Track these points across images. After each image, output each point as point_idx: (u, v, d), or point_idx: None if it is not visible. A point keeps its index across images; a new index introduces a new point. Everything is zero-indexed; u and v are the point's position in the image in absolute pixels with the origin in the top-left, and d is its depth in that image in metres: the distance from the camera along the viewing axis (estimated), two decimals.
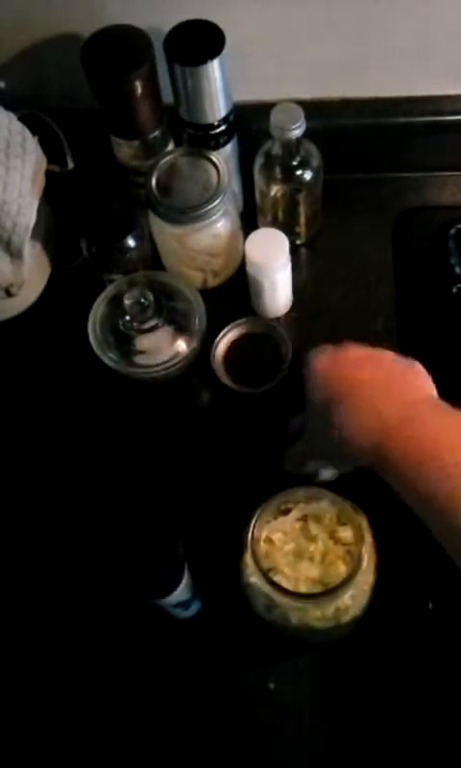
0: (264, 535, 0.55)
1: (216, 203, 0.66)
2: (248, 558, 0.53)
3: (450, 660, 0.60)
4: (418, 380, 0.53)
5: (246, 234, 0.70)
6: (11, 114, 0.70)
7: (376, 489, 0.68)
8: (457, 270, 0.75)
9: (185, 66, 0.64)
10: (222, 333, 0.73)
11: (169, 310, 0.67)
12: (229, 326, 0.74)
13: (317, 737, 0.60)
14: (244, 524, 0.54)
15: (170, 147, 0.74)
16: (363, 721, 0.60)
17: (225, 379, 0.72)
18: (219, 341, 0.73)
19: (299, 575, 0.54)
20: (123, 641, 0.64)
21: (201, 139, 0.71)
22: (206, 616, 0.63)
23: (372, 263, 0.78)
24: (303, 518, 0.56)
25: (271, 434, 0.66)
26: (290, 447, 0.61)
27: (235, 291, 0.76)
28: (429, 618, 0.62)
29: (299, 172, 0.71)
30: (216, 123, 0.70)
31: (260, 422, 0.71)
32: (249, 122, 0.74)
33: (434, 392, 0.53)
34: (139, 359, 0.68)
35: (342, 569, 0.54)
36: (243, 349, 0.74)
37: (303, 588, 0.53)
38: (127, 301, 0.66)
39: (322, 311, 0.76)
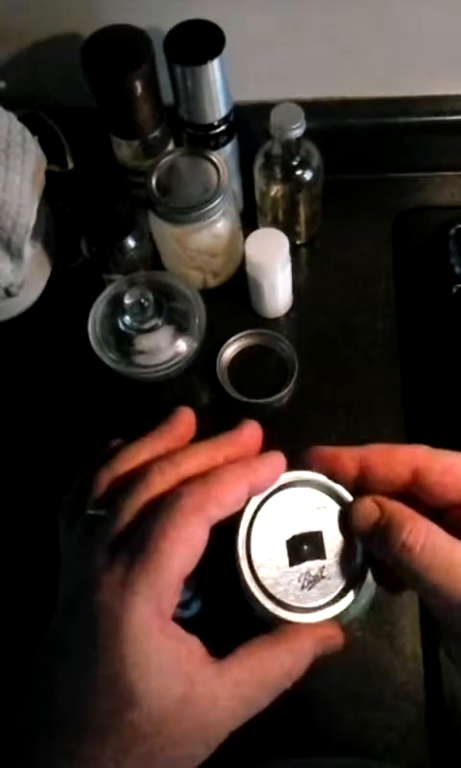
0: None
1: (216, 203, 0.66)
2: None
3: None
4: None
5: (246, 234, 0.70)
6: (11, 114, 0.70)
7: None
8: (457, 270, 0.75)
9: (185, 66, 0.64)
10: (228, 342, 0.74)
11: (169, 310, 0.67)
12: (236, 336, 0.74)
13: (317, 737, 0.60)
14: None
15: (170, 147, 0.74)
16: (362, 720, 0.60)
17: (229, 388, 0.72)
18: (224, 349, 0.74)
19: None
20: None
21: (201, 139, 0.71)
22: (206, 616, 0.63)
23: (372, 263, 0.78)
24: None
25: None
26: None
27: (235, 291, 0.76)
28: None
29: (299, 172, 0.71)
30: (216, 123, 0.70)
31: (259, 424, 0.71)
32: (249, 122, 0.74)
33: None
34: (139, 359, 0.68)
35: None
36: (248, 359, 0.75)
37: None
38: (127, 301, 0.66)
39: (322, 311, 0.76)
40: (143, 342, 0.67)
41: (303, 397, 0.73)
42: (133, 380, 0.69)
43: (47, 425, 0.74)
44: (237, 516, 0.37)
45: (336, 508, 0.38)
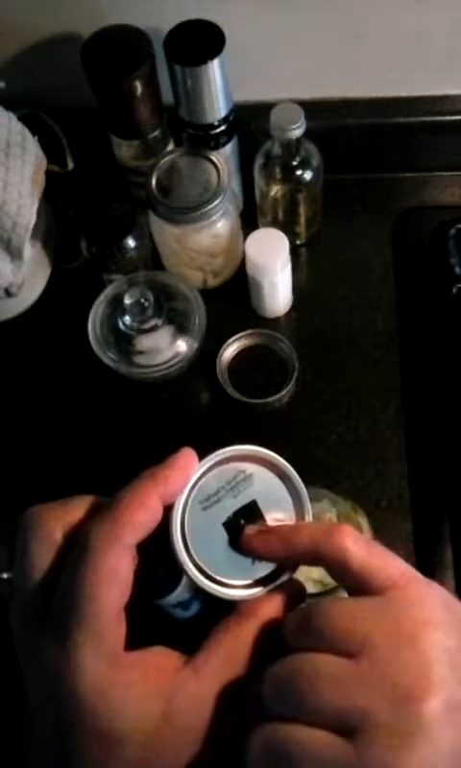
0: None
1: (216, 203, 0.67)
2: None
3: None
4: None
5: (246, 234, 0.70)
6: (11, 114, 0.70)
7: (376, 488, 0.68)
8: (457, 270, 0.75)
9: (185, 66, 0.64)
10: (228, 342, 0.74)
11: (169, 310, 0.67)
12: (236, 335, 0.74)
13: None
14: None
15: (170, 147, 0.74)
16: None
17: (229, 388, 0.73)
18: (224, 349, 0.74)
19: (299, 575, 0.54)
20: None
21: (201, 139, 0.71)
22: (205, 616, 0.63)
23: (372, 263, 0.78)
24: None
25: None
26: None
27: (235, 291, 0.76)
28: None
29: (299, 172, 0.71)
30: (216, 123, 0.70)
31: (259, 424, 0.71)
32: (249, 122, 0.74)
33: None
34: (139, 359, 0.68)
35: None
36: (249, 359, 0.75)
37: None
38: (127, 301, 0.66)
39: (322, 311, 0.76)
40: (143, 342, 0.68)
41: (303, 397, 0.73)
42: (133, 380, 0.69)
43: (47, 425, 0.74)
44: (166, 523, 0.35)
45: (257, 468, 0.37)
